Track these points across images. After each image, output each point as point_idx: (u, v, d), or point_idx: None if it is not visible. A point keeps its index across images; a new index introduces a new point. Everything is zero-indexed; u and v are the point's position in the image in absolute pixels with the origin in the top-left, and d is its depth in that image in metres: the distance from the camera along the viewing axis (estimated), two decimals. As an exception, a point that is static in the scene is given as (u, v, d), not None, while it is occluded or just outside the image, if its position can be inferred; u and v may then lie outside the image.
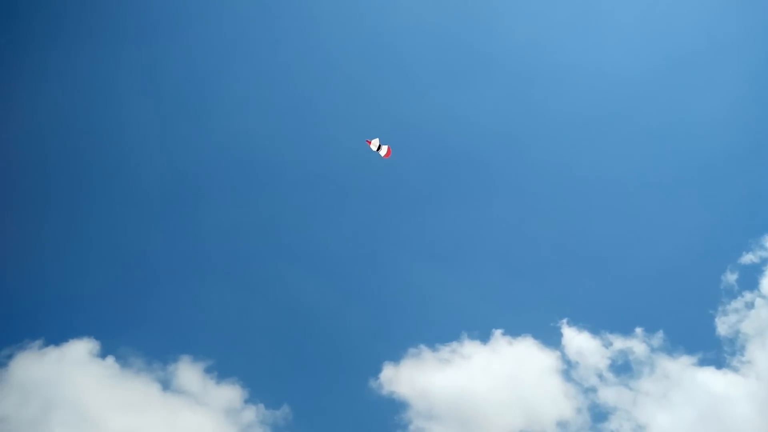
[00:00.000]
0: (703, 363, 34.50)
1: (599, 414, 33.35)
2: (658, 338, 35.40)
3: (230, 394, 33.69)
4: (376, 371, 34.87)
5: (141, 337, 34.87)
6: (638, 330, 35.76)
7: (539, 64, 44.37)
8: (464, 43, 44.46)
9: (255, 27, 44.22)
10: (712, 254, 38.44)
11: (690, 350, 34.87)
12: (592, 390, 34.09)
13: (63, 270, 37.59)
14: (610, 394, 33.86)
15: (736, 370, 34.04)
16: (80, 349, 33.97)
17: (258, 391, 33.82)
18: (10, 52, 41.35)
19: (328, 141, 42.36)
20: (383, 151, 31.98)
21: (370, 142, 31.95)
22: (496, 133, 43.33)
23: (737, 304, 35.99)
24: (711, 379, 33.80)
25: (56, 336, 34.17)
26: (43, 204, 39.34)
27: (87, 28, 43.23)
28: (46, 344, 33.85)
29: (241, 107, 43.20)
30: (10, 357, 33.14)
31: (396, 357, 35.40)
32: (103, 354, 33.95)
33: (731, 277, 36.89)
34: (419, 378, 34.60)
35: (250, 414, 33.22)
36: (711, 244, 39.09)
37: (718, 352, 34.87)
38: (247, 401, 33.65)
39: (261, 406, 33.50)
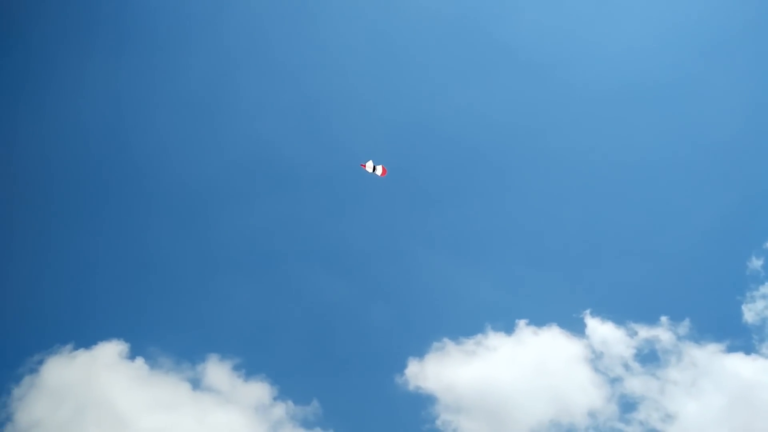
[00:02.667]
0: (731, 350, 34.16)
1: (627, 404, 33.12)
2: (685, 326, 35.10)
3: (259, 391, 33.99)
4: (401, 367, 35.00)
5: (169, 337, 35.30)
6: (663, 319, 35.47)
7: (552, 55, 44.16)
8: (474, 38, 44.45)
9: (266, 30, 44.64)
10: (736, 240, 38.10)
11: (717, 338, 34.52)
12: (618, 380, 33.88)
13: (90, 274, 38.27)
14: (636, 384, 33.61)
15: (766, 356, 33.70)
16: (110, 351, 34.51)
17: (286, 388, 34.07)
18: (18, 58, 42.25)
19: (344, 140, 42.65)
20: (379, 171, 32.28)
21: (364, 166, 32.19)
22: (515, 125, 43.20)
23: (764, 290, 35.66)
24: (740, 365, 33.44)
25: (86, 339, 34.75)
26: (67, 211, 40.09)
27: (99, 32, 43.93)
28: (76, 348, 34.45)
29: (256, 109, 43.63)
30: (41, 362, 33.79)
31: (420, 352, 35.50)
32: (132, 355, 34.50)
33: (756, 263, 36.57)
34: (445, 372, 34.62)
35: (280, 411, 33.49)
36: (734, 229, 38.66)
37: (746, 339, 34.51)
38: (276, 398, 33.94)
39: (290, 402, 33.77)
